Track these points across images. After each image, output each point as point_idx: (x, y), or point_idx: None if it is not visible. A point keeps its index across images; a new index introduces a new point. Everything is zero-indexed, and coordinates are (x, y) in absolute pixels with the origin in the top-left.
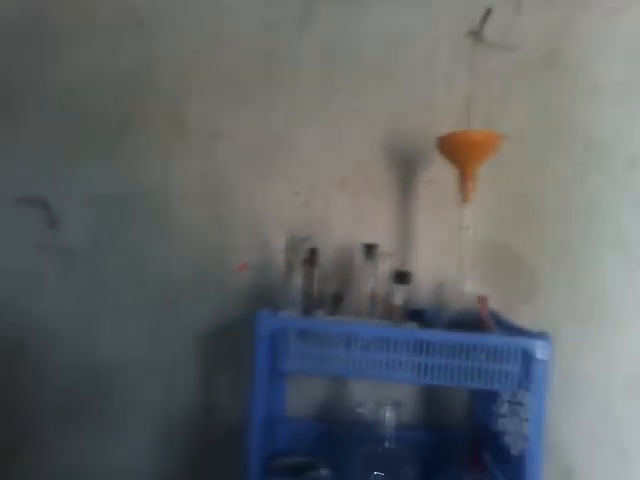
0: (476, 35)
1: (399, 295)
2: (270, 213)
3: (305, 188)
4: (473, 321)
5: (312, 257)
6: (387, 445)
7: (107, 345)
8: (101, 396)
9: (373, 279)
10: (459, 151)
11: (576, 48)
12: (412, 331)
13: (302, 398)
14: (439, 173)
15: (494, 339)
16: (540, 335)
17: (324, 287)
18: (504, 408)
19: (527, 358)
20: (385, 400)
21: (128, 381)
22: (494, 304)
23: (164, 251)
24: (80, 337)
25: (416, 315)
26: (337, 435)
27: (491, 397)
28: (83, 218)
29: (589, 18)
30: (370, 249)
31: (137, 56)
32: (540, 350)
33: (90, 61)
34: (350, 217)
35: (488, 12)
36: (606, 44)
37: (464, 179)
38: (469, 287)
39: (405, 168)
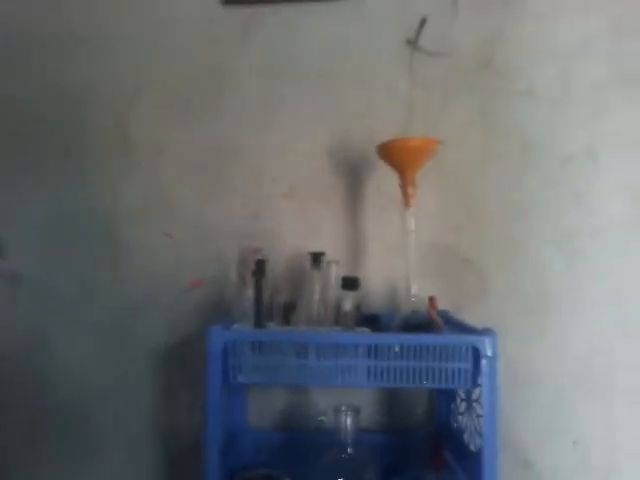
0: (413, 44)
1: (349, 301)
2: (220, 227)
3: (253, 199)
4: (424, 322)
5: (259, 268)
6: (349, 451)
7: (61, 369)
8: (57, 422)
9: (322, 287)
10: (398, 157)
11: (509, 53)
12: (362, 335)
13: (263, 409)
14: (384, 179)
15: (443, 338)
16: (486, 332)
17: (275, 297)
18: (461, 406)
19: (476, 355)
20: (344, 406)
21: (85, 405)
22: (444, 304)
23: (115, 271)
24: (33, 363)
25: (370, 320)
26: (300, 444)
27: (450, 396)
28: (29, 242)
29: (520, 25)
30: (317, 257)
31: (79, 74)
32: (487, 346)
33: (31, 80)
34: (299, 226)
35: (423, 21)
36: (537, 49)
37: (404, 184)
38: (416, 289)
39: (351, 176)
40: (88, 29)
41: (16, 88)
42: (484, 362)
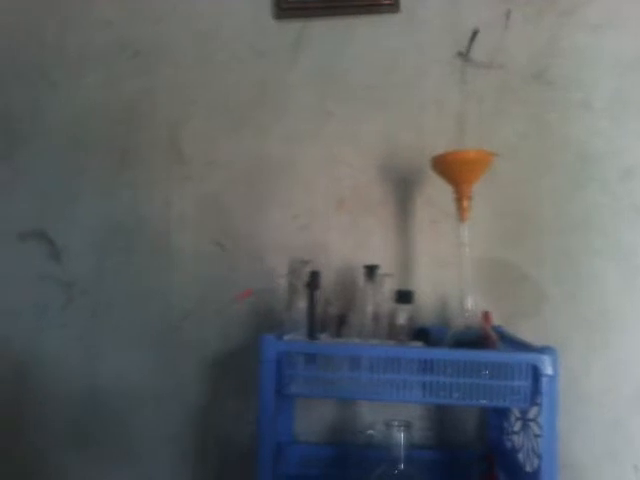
0: (464, 56)
1: (402, 315)
2: (270, 238)
3: (303, 212)
4: (478, 337)
5: (313, 280)
6: (400, 467)
7: (111, 375)
8: (107, 427)
9: (375, 300)
10: (452, 170)
11: (563, 65)
12: (417, 350)
13: (310, 422)
14: (436, 192)
15: (499, 355)
16: (546, 350)
17: (327, 309)
18: (516, 425)
19: (535, 373)
20: (396, 421)
21: (134, 412)
22: (498, 319)
23: (166, 280)
24: (84, 368)
25: (421, 334)
26: (348, 458)
27: (503, 414)
28: (84, 250)
29: (574, 35)
30: (371, 270)
31: (133, 88)
32: (548, 365)
33: (87, 94)
34: (349, 239)
35: (475, 33)
36: (592, 60)
37: (459, 197)
38: (470, 303)
39: (401, 188)
40: (141, 43)
41: (73, 101)
42: (544, 381)
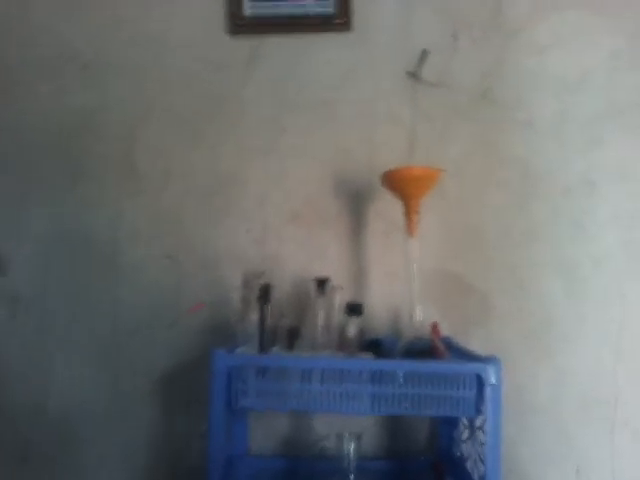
0: (414, 76)
1: (352, 327)
2: (224, 251)
3: (258, 225)
4: (427, 348)
5: (265, 293)
6: (350, 477)
7: (58, 390)
8: (54, 444)
9: (326, 312)
10: (400, 186)
11: (508, 85)
12: (366, 362)
13: (265, 435)
14: (387, 205)
15: (447, 366)
16: (490, 359)
17: (280, 322)
18: (464, 434)
19: (480, 383)
20: (346, 432)
21: (83, 428)
22: (447, 330)
23: (115, 294)
24: (30, 384)
25: (373, 345)
26: (300, 470)
27: (452, 423)
28: (31, 264)
29: (519, 56)
30: (322, 283)
31: (83, 100)
32: (491, 374)
33: (37, 106)
34: (304, 251)
35: (424, 53)
36: (536, 80)
37: (408, 212)
38: (419, 315)
39: (354, 202)
40: (92, 56)
41: (20, 113)
42: (488, 390)
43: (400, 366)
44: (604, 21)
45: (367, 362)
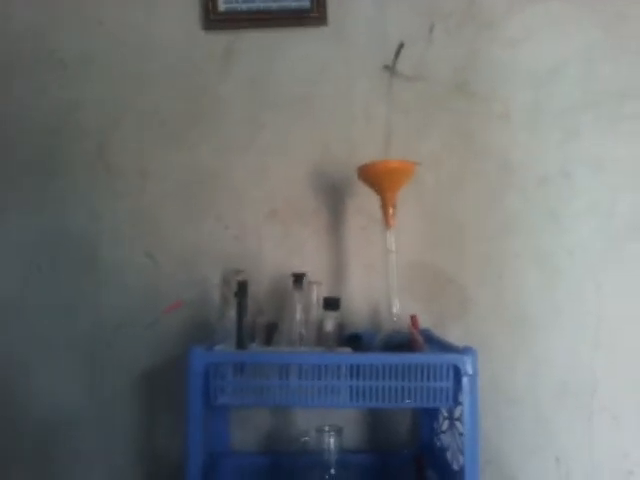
0: (390, 69)
1: (330, 321)
2: (202, 249)
3: (236, 222)
4: (406, 341)
5: (241, 289)
6: (332, 472)
7: (39, 392)
8: (36, 444)
9: (304, 307)
10: (377, 180)
11: (484, 77)
12: (344, 356)
13: (246, 431)
14: (365, 200)
15: (424, 357)
16: (466, 350)
17: (258, 318)
18: (444, 425)
19: (457, 373)
20: (327, 426)
21: (64, 428)
22: (426, 322)
23: (95, 294)
24: (11, 385)
25: (352, 339)
26: (282, 466)
27: (433, 415)
28: (10, 264)
29: (493, 48)
30: (299, 278)
31: (60, 99)
32: (468, 365)
33: (13, 104)
34: (282, 248)
35: (400, 47)
36: (510, 72)
37: (385, 205)
38: (398, 308)
39: (333, 198)
40: (68, 53)
41: None
42: (465, 380)
43: (378, 359)
44: (579, 12)
45: (345, 356)
